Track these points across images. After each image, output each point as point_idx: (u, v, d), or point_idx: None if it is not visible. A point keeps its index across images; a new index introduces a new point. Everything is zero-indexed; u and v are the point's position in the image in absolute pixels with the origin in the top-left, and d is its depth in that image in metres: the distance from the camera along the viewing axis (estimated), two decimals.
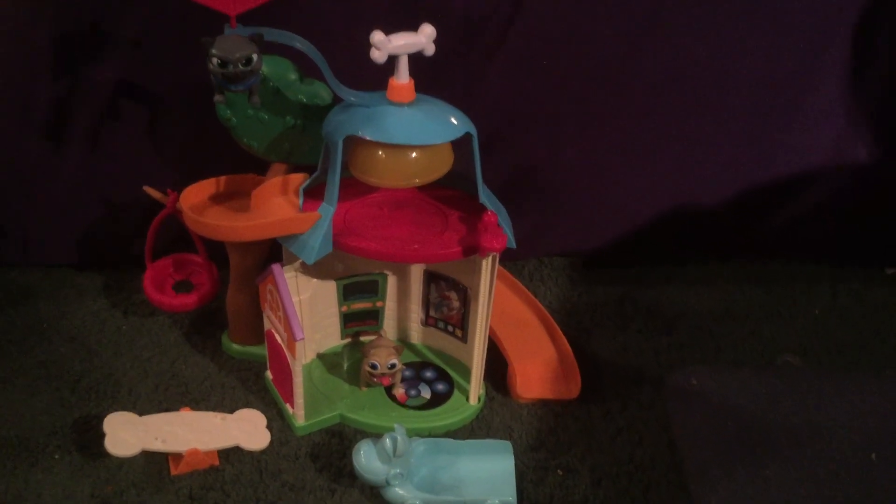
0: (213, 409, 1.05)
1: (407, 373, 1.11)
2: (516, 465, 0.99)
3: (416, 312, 1.15)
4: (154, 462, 0.99)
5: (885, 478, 0.94)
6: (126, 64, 1.12)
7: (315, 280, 1.06)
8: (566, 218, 1.31)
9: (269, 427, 1.02)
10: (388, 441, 0.93)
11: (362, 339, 1.16)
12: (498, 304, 1.06)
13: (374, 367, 1.04)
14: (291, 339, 0.96)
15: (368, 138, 0.90)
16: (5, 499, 0.95)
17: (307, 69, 0.98)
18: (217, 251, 1.10)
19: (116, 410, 1.00)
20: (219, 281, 1.16)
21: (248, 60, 0.89)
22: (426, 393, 1.09)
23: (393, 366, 1.04)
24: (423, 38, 0.88)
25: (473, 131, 0.92)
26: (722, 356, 1.19)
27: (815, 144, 1.27)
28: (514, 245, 0.96)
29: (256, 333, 1.12)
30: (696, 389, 1.11)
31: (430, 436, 1.03)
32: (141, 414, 1.00)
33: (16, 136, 1.16)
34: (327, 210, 0.94)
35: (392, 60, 0.88)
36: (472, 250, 0.95)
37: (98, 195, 1.22)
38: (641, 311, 1.27)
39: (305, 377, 1.02)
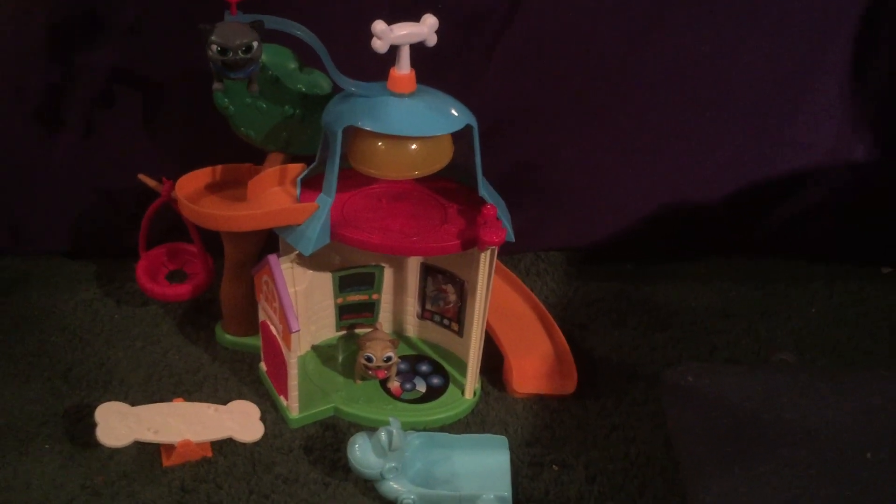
0: (206, 401, 1.04)
1: (402, 366, 1.10)
2: (511, 459, 0.99)
3: (412, 305, 1.14)
4: (146, 453, 0.98)
5: (880, 477, 0.94)
6: (123, 50, 1.10)
7: (311, 271, 1.05)
8: (564, 213, 1.31)
9: (262, 419, 1.02)
10: (383, 435, 0.93)
11: (357, 331, 1.15)
12: (495, 298, 1.05)
13: (369, 359, 1.03)
14: (287, 331, 0.95)
15: (368, 129, 0.89)
16: None
17: (307, 58, 0.97)
18: (212, 241, 1.09)
19: (108, 401, 0.99)
20: (213, 271, 1.15)
21: (249, 48, 0.88)
22: (421, 386, 1.09)
23: (388, 359, 1.04)
24: (426, 28, 0.88)
25: (474, 123, 0.91)
26: (718, 353, 1.19)
27: (814, 143, 1.27)
28: (513, 239, 0.95)
29: (250, 324, 1.11)
30: (691, 386, 1.10)
31: (425, 430, 1.02)
32: (133, 404, 0.99)
33: (9, 121, 1.15)
34: (325, 201, 0.93)
35: (393, 50, 0.88)
36: (471, 243, 0.94)
37: (92, 183, 1.21)
38: (638, 307, 1.26)
39: (300, 369, 1.01)
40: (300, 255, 0.99)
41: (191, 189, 1.01)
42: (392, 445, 0.92)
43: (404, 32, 0.87)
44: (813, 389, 1.07)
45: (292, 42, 0.93)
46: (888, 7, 1.16)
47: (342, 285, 1.10)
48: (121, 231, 1.21)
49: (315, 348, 1.13)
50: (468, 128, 0.91)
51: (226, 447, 0.99)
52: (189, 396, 1.05)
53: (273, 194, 0.98)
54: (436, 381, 1.10)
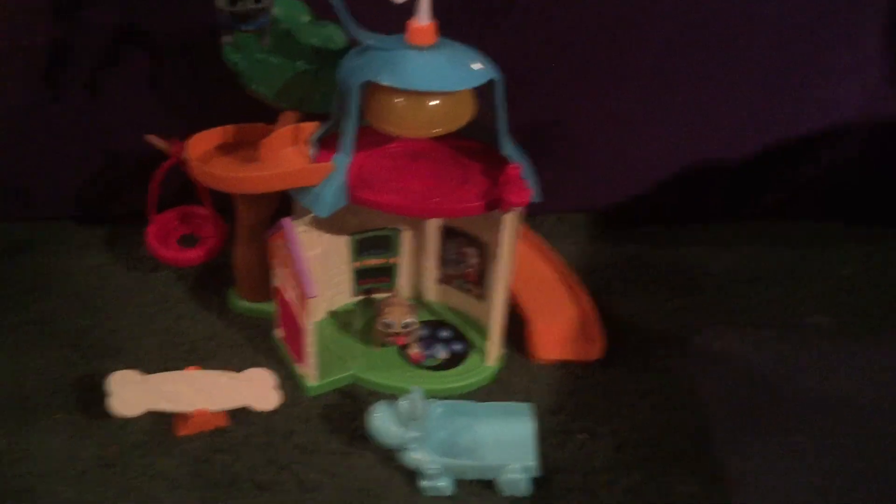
0: (221, 369, 1.01)
1: (422, 332, 1.07)
2: (536, 428, 0.95)
3: (431, 269, 1.10)
4: (160, 423, 0.95)
5: None
6: (128, 5, 1.06)
7: (327, 235, 1.01)
8: (585, 173, 1.26)
9: (278, 387, 0.98)
10: (404, 403, 0.89)
11: (375, 296, 1.12)
12: (517, 260, 1.01)
13: (388, 325, 1.00)
14: (304, 297, 0.92)
15: (386, 84, 0.84)
16: (5, 460, 0.91)
17: (321, 10, 0.92)
18: (224, 204, 1.05)
19: (120, 369, 0.96)
20: (226, 235, 1.11)
21: None
22: (442, 353, 1.05)
23: (408, 324, 1.00)
24: None
25: (498, 77, 0.87)
26: (746, 318, 1.15)
27: (846, 99, 1.21)
28: (539, 199, 0.91)
29: (265, 290, 1.07)
30: (721, 353, 1.07)
31: (446, 398, 0.99)
32: (145, 373, 0.96)
33: (13, 83, 1.11)
34: (342, 161, 0.88)
35: (411, 1, 0.83)
36: (495, 204, 0.90)
37: (99, 145, 1.17)
38: (662, 270, 1.22)
39: (317, 336, 0.97)
40: (316, 218, 0.95)
41: (201, 150, 0.97)
42: (414, 414, 0.89)
43: None
44: (847, 356, 1.04)
45: None
46: None
47: (359, 249, 1.07)
48: (130, 194, 1.17)
49: (332, 314, 1.10)
50: (490, 83, 0.87)
51: (241, 416, 0.96)
52: (203, 364, 1.02)
53: (287, 154, 0.94)
54: (457, 347, 1.06)
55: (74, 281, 1.15)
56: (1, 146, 1.17)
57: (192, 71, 1.10)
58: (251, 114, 0.99)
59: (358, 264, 1.08)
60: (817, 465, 0.91)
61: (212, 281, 1.15)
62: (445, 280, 1.10)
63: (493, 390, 1.02)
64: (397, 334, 1.01)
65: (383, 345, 1.05)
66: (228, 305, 1.12)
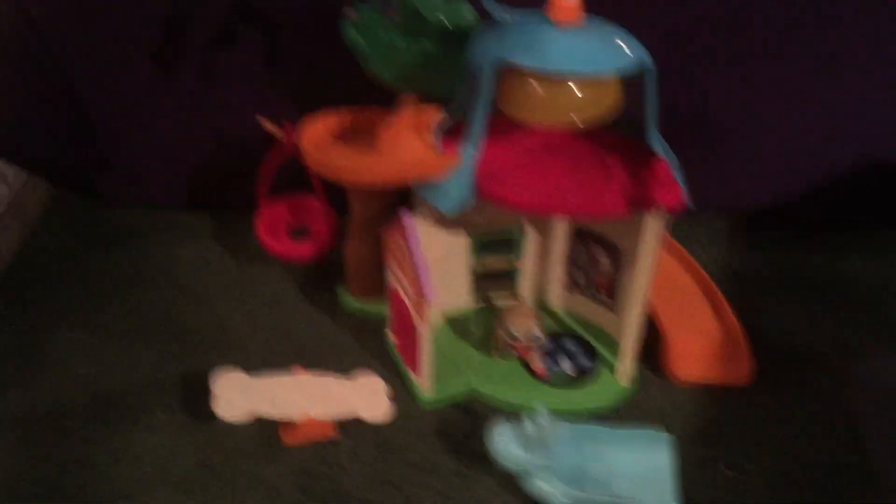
0: (328, 367, 0.94)
1: (547, 344, 0.97)
2: (675, 460, 0.85)
3: (557, 275, 1.00)
4: (266, 428, 0.88)
5: None
6: None
7: (446, 233, 0.93)
8: (727, 169, 1.13)
9: (390, 396, 0.91)
10: (530, 425, 0.80)
11: (495, 302, 1.03)
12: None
13: (513, 336, 0.90)
14: (421, 302, 0.83)
15: (525, 65, 0.74)
16: (104, 459, 0.86)
17: None
18: (336, 195, 0.98)
19: (224, 366, 0.90)
20: (337, 228, 1.04)
21: None
22: (568, 368, 0.95)
23: (535, 337, 0.91)
24: None
25: (650, 61, 0.76)
26: None
27: None
28: (690, 202, 0.80)
29: (377, 288, 1.00)
30: (891, 384, 0.93)
31: (572, 418, 0.89)
32: (251, 371, 0.90)
33: (125, 61, 1.06)
34: (470, 153, 0.79)
35: None
36: (640, 206, 0.79)
37: (211, 128, 1.11)
38: (814, 280, 1.09)
39: (433, 344, 0.89)
40: (437, 215, 0.86)
41: (315, 135, 0.90)
42: (541, 438, 0.80)
43: None
44: None
45: None
46: None
47: (480, 250, 0.98)
48: (240, 181, 1.12)
49: (448, 319, 1.01)
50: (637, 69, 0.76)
51: (351, 427, 0.89)
52: (311, 367, 0.96)
53: (407, 143, 0.85)
54: (584, 362, 0.96)
55: (181, 272, 1.10)
56: (111, 125, 1.13)
57: (309, 50, 1.03)
58: (370, 97, 0.91)
59: (478, 266, 0.99)
60: None
61: (322, 277, 1.08)
62: (572, 287, 1.00)
63: (625, 413, 0.92)
64: (523, 346, 0.91)
65: (503, 355, 0.96)
66: (338, 303, 1.05)
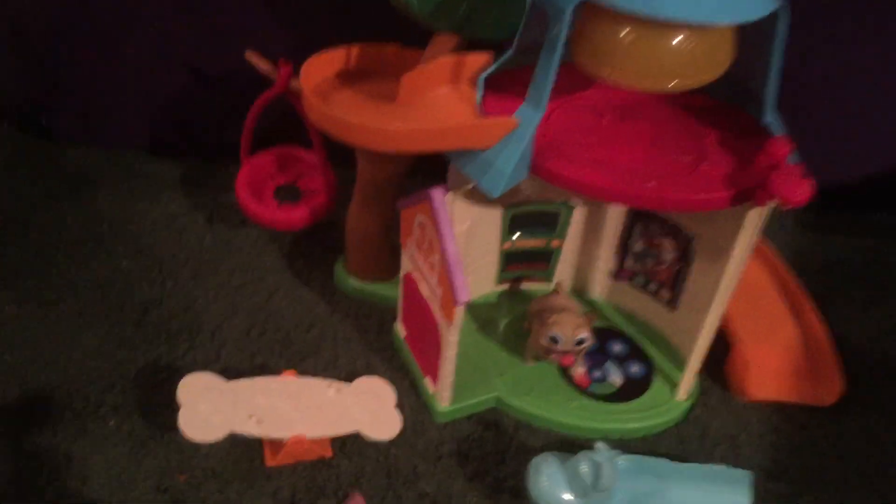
0: (324, 370, 0.78)
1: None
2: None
3: (605, 259, 0.83)
4: (244, 446, 0.71)
5: None
6: None
7: (476, 206, 0.74)
8: (800, 141, 0.95)
9: (399, 405, 0.73)
10: (585, 467, 0.64)
11: (525, 287, 0.85)
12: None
13: (555, 340, 0.73)
14: (449, 300, 0.65)
15: (617, 7, 0.55)
16: (41, 478, 0.68)
17: None
18: (339, 147, 0.79)
19: (194, 358, 0.72)
20: (337, 189, 0.85)
21: None
22: (615, 377, 0.78)
23: (582, 341, 0.73)
24: None
25: (785, 9, 0.57)
26: None
27: None
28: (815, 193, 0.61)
29: (384, 266, 0.83)
30: None
31: (620, 440, 0.73)
32: (227, 367, 0.72)
33: None
34: (530, 116, 0.60)
35: None
36: (751, 199, 0.61)
37: (185, 61, 0.91)
38: None
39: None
40: (472, 190, 0.68)
41: (318, 79, 0.70)
42: (599, 484, 0.63)
43: None
44: None
45: None
46: None
47: (513, 225, 0.79)
48: (219, 125, 0.92)
49: (469, 306, 0.84)
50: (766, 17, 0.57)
51: (350, 444, 0.72)
52: (301, 363, 0.78)
53: (440, 98, 0.66)
54: (634, 369, 0.79)
55: (142, 234, 0.91)
56: (62, 50, 0.92)
57: None
58: (392, 33, 0.71)
59: (509, 245, 0.81)
60: None
61: (315, 247, 0.90)
62: (622, 275, 0.82)
63: (684, 435, 0.75)
64: (566, 353, 0.74)
65: (537, 358, 0.78)
66: (334, 282, 0.86)
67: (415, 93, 0.66)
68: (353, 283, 0.85)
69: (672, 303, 0.79)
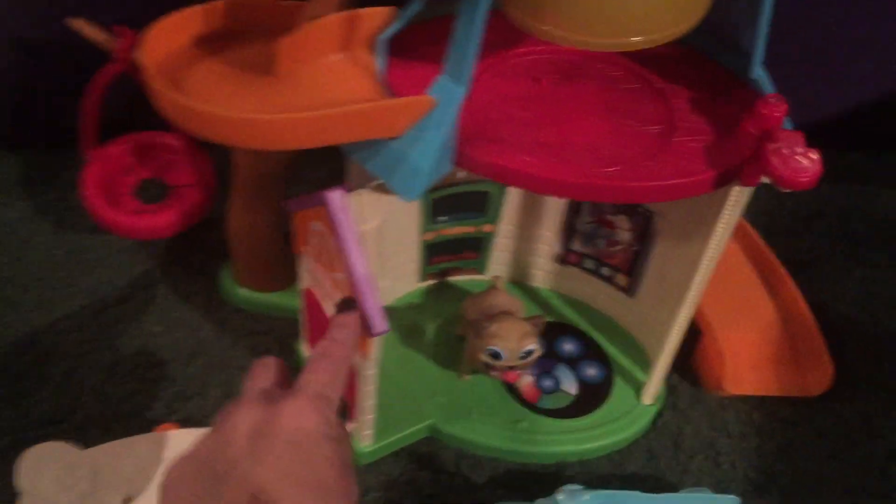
0: (214, 409, 0.61)
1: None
2: None
3: (547, 242, 0.69)
4: None
5: None
6: None
7: (389, 197, 0.59)
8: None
9: None
10: None
11: (452, 279, 0.71)
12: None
13: (496, 355, 0.59)
14: (363, 332, 0.51)
15: None
16: None
17: None
18: None
19: (41, 412, 0.56)
20: (214, 181, 0.69)
21: None
22: (569, 384, 0.66)
23: (529, 353, 0.60)
24: None
25: None
26: None
27: None
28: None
29: (279, 272, 0.67)
30: None
31: (581, 463, 0.61)
32: (85, 422, 0.56)
33: None
34: (451, 91, 0.44)
35: None
36: (737, 175, 0.48)
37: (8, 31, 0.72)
38: (888, 229, 0.81)
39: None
40: (380, 186, 0.52)
41: (166, 50, 0.53)
42: None
43: None
44: None
45: None
46: None
47: (437, 211, 0.65)
48: (59, 110, 0.73)
49: (388, 312, 0.69)
50: None
51: None
52: (184, 407, 0.62)
53: (328, 70, 0.50)
54: (591, 371, 0.67)
55: None
56: None
57: None
58: None
59: (432, 234, 0.67)
60: None
61: (195, 253, 0.73)
62: (569, 259, 0.69)
63: (655, 448, 0.64)
64: (510, 368, 0.60)
65: (474, 372, 0.65)
66: (222, 295, 0.71)
67: (295, 63, 0.50)
68: (244, 293, 0.69)
69: (630, 290, 0.66)
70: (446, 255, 0.69)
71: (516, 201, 0.66)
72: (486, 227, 0.68)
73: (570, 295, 0.71)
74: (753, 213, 0.78)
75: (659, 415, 0.65)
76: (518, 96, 0.50)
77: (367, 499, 0.59)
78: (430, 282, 0.71)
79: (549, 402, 0.64)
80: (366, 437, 0.60)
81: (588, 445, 0.62)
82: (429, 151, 0.44)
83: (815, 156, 0.44)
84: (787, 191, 0.44)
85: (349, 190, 0.51)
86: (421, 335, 0.68)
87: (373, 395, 0.57)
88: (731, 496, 0.57)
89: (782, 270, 0.70)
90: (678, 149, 0.48)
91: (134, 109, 0.66)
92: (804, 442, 0.64)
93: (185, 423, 0.59)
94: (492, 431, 0.62)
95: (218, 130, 0.46)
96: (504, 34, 0.50)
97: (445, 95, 0.44)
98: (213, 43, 0.54)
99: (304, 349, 0.66)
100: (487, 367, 0.60)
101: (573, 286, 0.70)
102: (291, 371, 0.42)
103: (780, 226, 0.79)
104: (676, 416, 0.66)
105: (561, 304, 0.71)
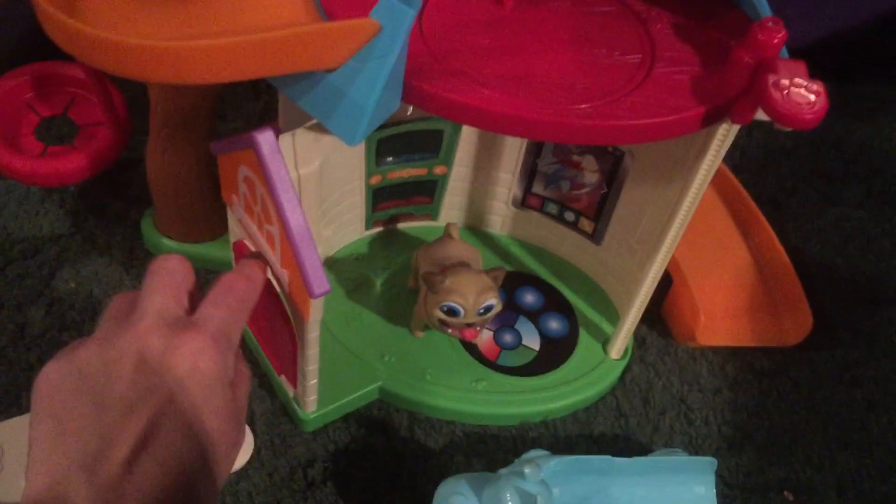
0: None
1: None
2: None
3: (505, 185, 0.63)
4: None
5: None
6: None
7: (329, 138, 0.52)
8: None
9: (250, 421, 0.54)
10: (512, 495, 0.46)
11: (402, 226, 0.65)
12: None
13: (453, 311, 0.53)
14: (301, 290, 0.44)
15: None
16: None
17: None
18: None
19: None
20: (128, 118, 0.61)
21: None
22: (531, 338, 0.61)
23: (489, 309, 0.54)
24: None
25: None
26: None
27: None
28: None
29: (207, 220, 0.60)
30: None
31: (545, 424, 0.57)
32: None
33: None
34: (399, 13, 0.37)
35: None
36: (728, 111, 0.42)
37: None
38: (862, 164, 0.77)
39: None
40: (316, 126, 0.45)
41: None
42: None
43: None
44: None
45: None
46: None
47: (382, 153, 0.58)
48: None
49: (331, 263, 0.63)
50: None
51: None
52: None
53: None
54: (554, 324, 0.62)
55: None
56: None
57: None
58: None
59: (378, 178, 0.60)
60: None
61: (113, 199, 0.66)
62: (530, 203, 0.63)
63: (624, 406, 0.59)
64: (468, 326, 0.54)
65: (428, 328, 0.59)
66: (144, 245, 0.63)
67: None
68: (169, 244, 0.62)
69: (596, 236, 0.61)
70: (395, 201, 0.63)
71: (472, 140, 0.60)
72: (439, 169, 0.61)
73: (531, 242, 0.65)
74: (752, 151, 0.73)
75: (626, 368, 0.61)
76: (477, 20, 0.43)
77: (313, 469, 0.54)
78: (378, 230, 0.65)
79: (510, 359, 0.59)
80: (310, 402, 0.54)
81: (552, 405, 0.58)
82: (373, 86, 0.37)
83: (819, 88, 0.38)
84: (787, 129, 0.39)
85: (282, 130, 0.44)
86: (368, 289, 0.62)
87: (316, 359, 0.51)
88: (708, 458, 0.53)
89: (757, 211, 0.65)
90: (660, 82, 0.42)
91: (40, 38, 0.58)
92: (780, 394, 0.61)
93: None
94: (448, 393, 0.57)
95: (117, 61, 0.38)
96: None
97: (392, 18, 0.37)
98: None
99: None
100: (442, 324, 0.55)
101: (534, 232, 0.64)
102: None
103: (751, 162, 0.74)
104: (645, 370, 0.61)
105: (521, 251, 0.65)
